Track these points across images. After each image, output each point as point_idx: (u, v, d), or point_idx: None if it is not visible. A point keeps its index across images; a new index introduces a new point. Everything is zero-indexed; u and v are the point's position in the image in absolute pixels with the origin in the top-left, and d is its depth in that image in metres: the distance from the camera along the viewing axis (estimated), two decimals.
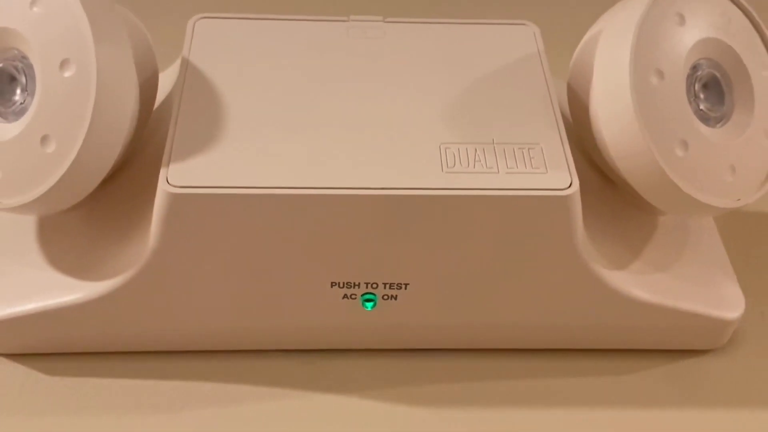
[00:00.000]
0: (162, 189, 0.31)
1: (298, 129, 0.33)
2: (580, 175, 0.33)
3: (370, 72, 0.36)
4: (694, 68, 0.34)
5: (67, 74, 0.31)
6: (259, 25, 0.38)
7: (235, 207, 0.31)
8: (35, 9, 0.31)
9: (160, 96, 0.38)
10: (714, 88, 0.35)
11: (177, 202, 0.31)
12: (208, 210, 0.31)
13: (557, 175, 0.32)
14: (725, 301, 0.36)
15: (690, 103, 0.33)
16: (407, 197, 0.31)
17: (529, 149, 0.33)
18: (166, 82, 0.39)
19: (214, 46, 0.37)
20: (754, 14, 0.36)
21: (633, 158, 0.33)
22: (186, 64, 0.36)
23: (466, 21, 0.38)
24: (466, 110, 0.35)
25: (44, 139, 0.31)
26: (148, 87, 0.36)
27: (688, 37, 0.34)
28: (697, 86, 0.34)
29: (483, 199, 0.31)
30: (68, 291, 0.34)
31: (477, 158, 0.33)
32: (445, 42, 0.37)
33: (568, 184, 0.32)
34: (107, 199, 0.35)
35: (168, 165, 0.32)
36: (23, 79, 0.33)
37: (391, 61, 0.36)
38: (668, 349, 0.37)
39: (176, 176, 0.31)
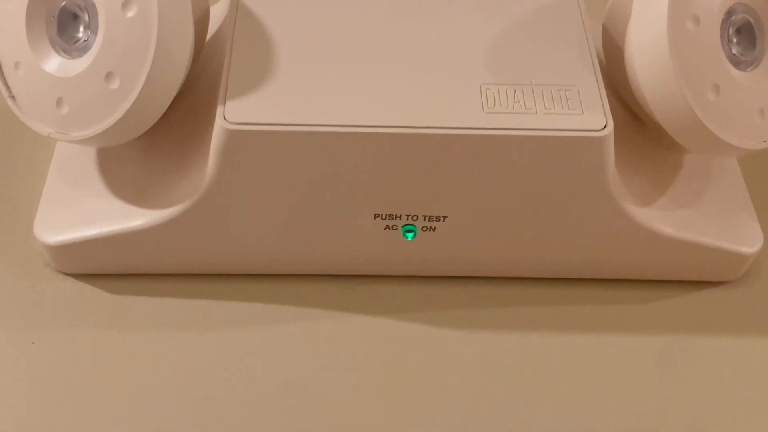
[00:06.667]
0: (219, 125, 0.33)
1: (346, 67, 0.35)
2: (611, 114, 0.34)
3: (413, 13, 0.37)
4: (729, 13, 0.35)
5: (129, 14, 0.32)
6: None
7: (288, 142, 0.33)
8: None
9: (211, 28, 0.40)
10: (747, 32, 0.36)
11: (233, 137, 0.33)
12: (262, 145, 0.33)
13: (593, 117, 0.34)
14: (744, 237, 0.38)
15: (723, 47, 0.35)
16: (450, 136, 0.33)
17: (566, 91, 0.35)
18: (214, 13, 0.40)
19: None
20: None
21: (666, 101, 0.34)
22: (236, 2, 0.37)
23: None
24: (505, 52, 0.36)
25: (108, 76, 0.33)
26: (201, 22, 0.37)
27: None
28: (730, 31, 0.36)
29: (522, 138, 0.33)
30: (130, 218, 0.36)
31: (516, 99, 0.34)
32: None
33: (603, 125, 0.34)
34: (163, 129, 0.37)
35: (224, 102, 0.33)
36: (86, 17, 0.34)
37: (432, 3, 0.38)
38: (688, 280, 0.39)
39: (232, 113, 0.33)
